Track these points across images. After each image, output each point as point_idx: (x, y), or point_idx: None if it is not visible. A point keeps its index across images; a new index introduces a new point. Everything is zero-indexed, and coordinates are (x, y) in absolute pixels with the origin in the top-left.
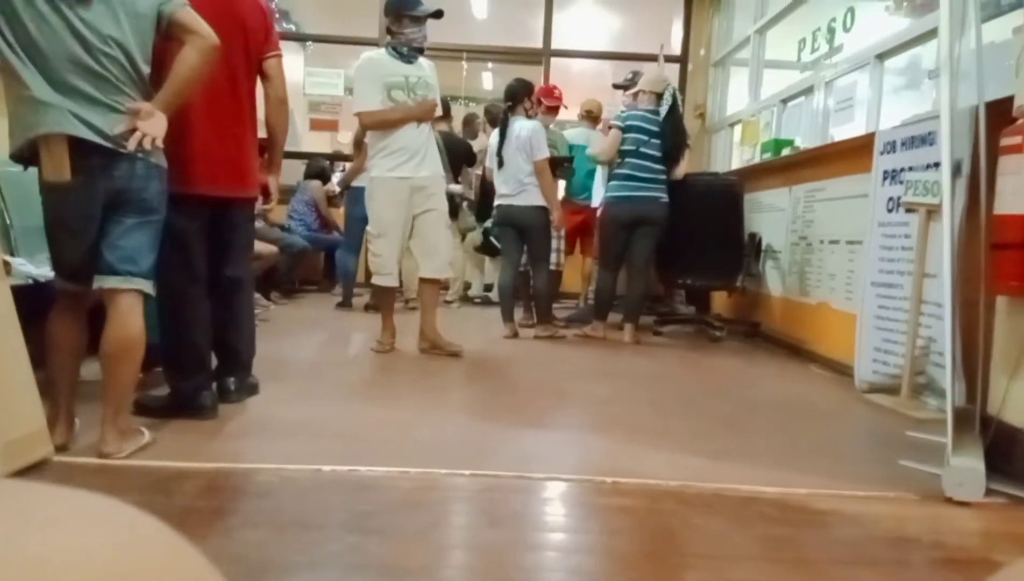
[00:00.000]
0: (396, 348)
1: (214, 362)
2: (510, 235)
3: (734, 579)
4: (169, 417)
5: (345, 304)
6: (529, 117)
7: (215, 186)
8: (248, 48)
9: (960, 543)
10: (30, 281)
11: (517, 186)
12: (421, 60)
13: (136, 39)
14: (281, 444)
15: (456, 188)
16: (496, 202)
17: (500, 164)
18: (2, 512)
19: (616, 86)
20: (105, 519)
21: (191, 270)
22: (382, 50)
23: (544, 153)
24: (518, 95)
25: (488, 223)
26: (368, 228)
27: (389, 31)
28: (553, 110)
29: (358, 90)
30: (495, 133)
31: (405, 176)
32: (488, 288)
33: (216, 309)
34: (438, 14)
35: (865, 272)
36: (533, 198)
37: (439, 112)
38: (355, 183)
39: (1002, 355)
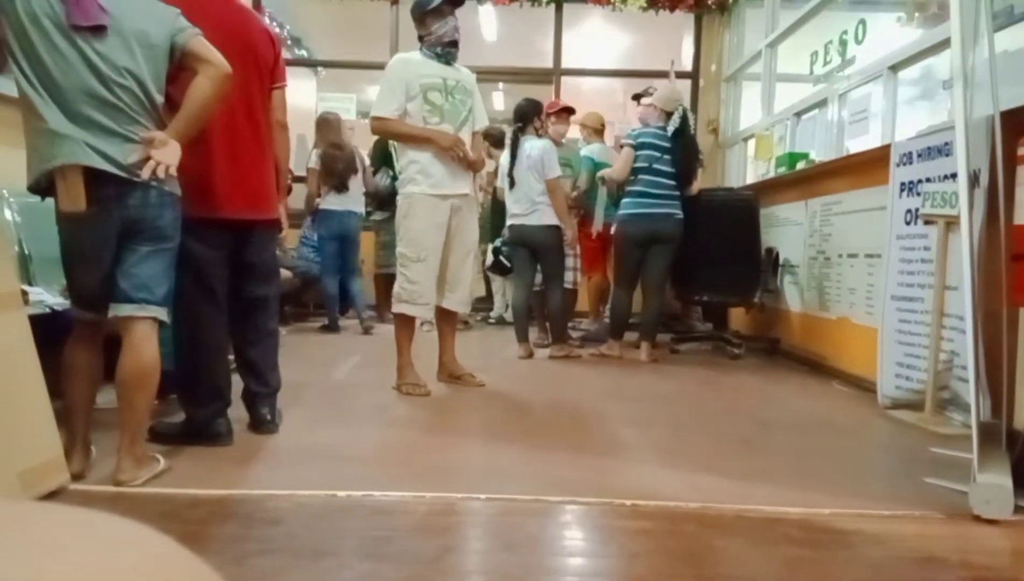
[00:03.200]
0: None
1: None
2: (523, 255)
3: None
4: (184, 444)
5: (332, 328)
6: (539, 136)
7: (235, 210)
8: (261, 74)
9: (989, 562)
10: (47, 310)
11: (529, 205)
12: (461, 67)
13: (150, 69)
14: (295, 470)
15: None
16: (508, 222)
17: (512, 184)
18: (23, 534)
19: (635, 97)
20: (124, 541)
21: (212, 298)
22: (416, 52)
23: (556, 172)
24: (527, 115)
25: (497, 242)
26: (402, 250)
27: (420, 39)
28: (562, 118)
29: (380, 91)
30: (506, 153)
31: (447, 193)
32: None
33: (241, 330)
34: (456, 1)
35: (885, 286)
36: (546, 217)
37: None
38: (323, 206)
39: None
